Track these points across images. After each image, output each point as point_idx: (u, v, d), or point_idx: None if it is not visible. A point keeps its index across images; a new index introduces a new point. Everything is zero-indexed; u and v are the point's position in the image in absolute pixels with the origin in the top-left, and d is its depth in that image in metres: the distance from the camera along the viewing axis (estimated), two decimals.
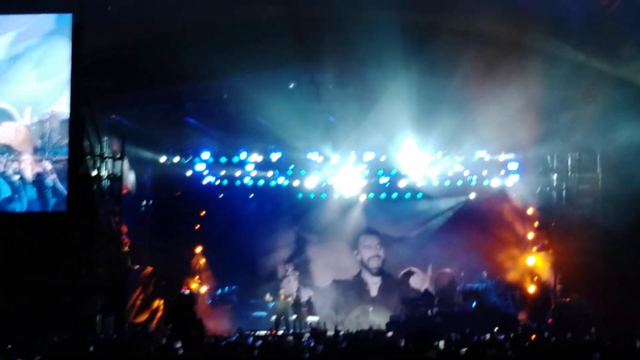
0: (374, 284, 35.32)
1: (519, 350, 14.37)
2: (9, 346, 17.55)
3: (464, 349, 15.52)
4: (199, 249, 33.97)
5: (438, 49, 24.56)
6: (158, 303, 30.46)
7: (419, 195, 33.82)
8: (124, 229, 26.52)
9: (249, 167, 32.85)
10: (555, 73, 25.58)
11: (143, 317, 29.10)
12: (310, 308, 31.80)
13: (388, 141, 30.82)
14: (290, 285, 34.97)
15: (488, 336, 21.11)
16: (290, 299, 31.36)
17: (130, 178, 29.37)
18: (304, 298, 32.47)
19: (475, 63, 24.58)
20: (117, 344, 17.78)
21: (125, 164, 26.99)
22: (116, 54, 24.96)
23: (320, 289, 34.87)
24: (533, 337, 21.13)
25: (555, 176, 30.54)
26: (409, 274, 34.33)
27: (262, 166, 32.86)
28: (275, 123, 30.10)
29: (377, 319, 32.34)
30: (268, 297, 32.15)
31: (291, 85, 28.21)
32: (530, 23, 23.89)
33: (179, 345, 16.07)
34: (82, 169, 23.15)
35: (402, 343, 17.16)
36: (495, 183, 32.55)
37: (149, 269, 30.75)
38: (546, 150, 30.01)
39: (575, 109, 27.37)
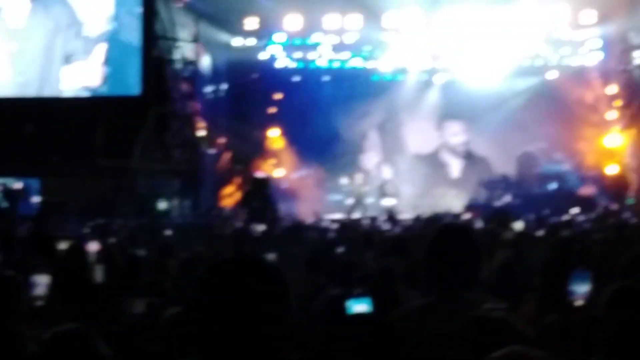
0: (456, 166, 34.96)
1: (600, 231, 14.04)
2: (87, 229, 17.78)
3: (541, 231, 15.31)
4: (274, 132, 33.92)
5: None
6: (234, 186, 30.62)
7: (497, 74, 33.15)
8: (199, 112, 26.51)
9: (324, 49, 32.42)
10: None
11: (219, 201, 29.31)
12: (390, 189, 31.63)
13: (466, 18, 30.14)
14: (370, 159, 34.88)
15: (566, 217, 20.84)
16: (367, 185, 31.01)
17: (204, 61, 29.19)
18: (385, 176, 32.48)
19: None
20: (193, 226, 17.87)
21: (200, 47, 26.86)
22: None
23: (400, 163, 34.60)
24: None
25: (639, 53, 29.75)
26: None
27: (337, 48, 32.39)
28: (350, 4, 29.65)
29: (456, 201, 32.13)
30: (345, 180, 32.03)
31: None
32: None
33: (255, 227, 16.11)
34: (155, 52, 23.06)
35: (480, 225, 17.02)
36: (576, 61, 31.69)
37: (225, 152, 30.84)
38: (630, 27, 29.09)
39: None
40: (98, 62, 22.95)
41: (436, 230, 5.01)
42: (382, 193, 31.27)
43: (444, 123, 34.85)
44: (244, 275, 3.53)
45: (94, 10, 23.25)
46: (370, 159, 34.94)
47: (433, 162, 34.88)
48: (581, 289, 6.03)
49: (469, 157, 34.71)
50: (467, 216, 23.31)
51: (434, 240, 4.87)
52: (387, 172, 33.86)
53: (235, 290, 3.49)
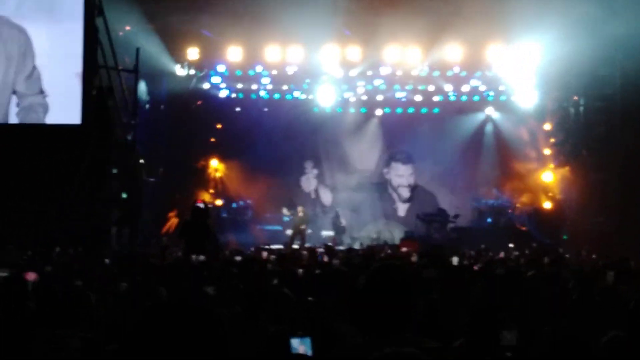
0: (401, 204, 35.25)
1: (534, 268, 14.29)
2: (24, 257, 17.67)
3: (477, 266, 15.55)
4: (214, 162, 33.99)
5: None
6: (172, 215, 30.57)
7: (435, 110, 33.63)
8: (139, 141, 26.45)
9: (265, 81, 32.63)
10: None
11: (158, 230, 29.24)
12: (341, 221, 32.14)
13: (404, 55, 30.37)
14: (309, 183, 35.13)
15: (502, 254, 21.14)
16: (307, 219, 31.03)
17: (141, 89, 29.05)
18: (325, 201, 33.41)
19: None
20: (132, 256, 17.80)
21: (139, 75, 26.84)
22: None
23: (341, 189, 34.91)
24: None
25: (573, 93, 30.21)
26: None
27: (277, 80, 32.59)
28: (291, 37, 29.78)
29: (397, 233, 32.47)
30: (285, 211, 32.13)
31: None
32: None
33: (194, 258, 16.11)
34: (96, 82, 22.96)
35: (415, 258, 17.22)
36: (512, 99, 32.20)
37: (164, 181, 30.81)
38: (564, 66, 29.53)
39: (594, 24, 26.88)
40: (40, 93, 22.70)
41: (371, 272, 5.11)
42: (335, 224, 31.80)
43: (392, 164, 35.21)
44: (180, 322, 3.67)
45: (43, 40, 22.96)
46: (309, 183, 35.17)
47: (380, 191, 35.10)
48: (509, 336, 6.27)
49: (415, 194, 35.01)
50: (404, 249, 23.55)
51: (369, 282, 4.99)
52: (326, 197, 34.27)
53: (170, 338, 3.63)
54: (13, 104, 22.76)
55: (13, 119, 22.77)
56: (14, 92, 22.81)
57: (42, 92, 22.69)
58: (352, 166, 35.01)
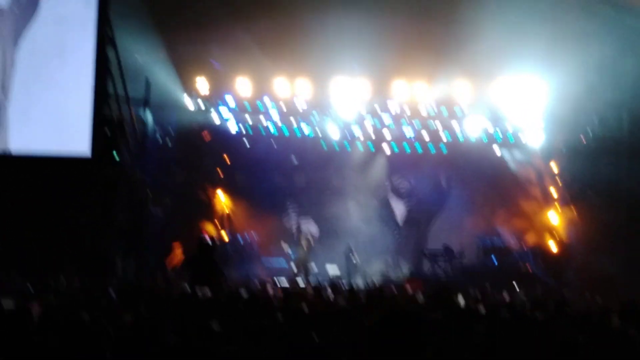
0: (400, 210, 35.19)
1: (539, 311, 14.23)
2: (29, 286, 17.64)
3: (482, 306, 15.49)
4: (221, 195, 33.97)
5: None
6: (178, 247, 30.53)
7: (442, 147, 33.60)
8: (147, 172, 26.48)
9: (273, 115, 32.66)
10: (590, 29, 25.31)
11: (164, 262, 29.19)
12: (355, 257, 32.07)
13: (413, 92, 30.43)
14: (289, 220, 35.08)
15: (507, 296, 21.03)
16: (311, 251, 30.87)
17: (150, 119, 29.10)
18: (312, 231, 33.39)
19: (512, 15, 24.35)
20: (137, 288, 17.76)
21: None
22: None
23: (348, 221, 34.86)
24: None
25: (580, 133, 30.21)
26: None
27: (286, 114, 32.62)
28: (299, 70, 29.87)
29: (401, 270, 32.37)
30: (284, 245, 32.04)
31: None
32: None
33: (200, 292, 16.07)
34: (106, 112, 23.02)
35: (421, 298, 17.15)
36: (520, 137, 32.17)
37: (170, 212, 30.78)
38: (572, 106, 29.56)
39: (603, 65, 26.94)
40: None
41: (380, 316, 5.09)
42: (347, 260, 31.66)
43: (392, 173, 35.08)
44: None
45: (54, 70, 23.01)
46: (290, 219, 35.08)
47: (381, 203, 34.96)
48: None
49: (411, 222, 34.94)
50: (408, 288, 23.44)
51: (377, 325, 4.97)
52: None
53: None
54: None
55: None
56: None
57: None
58: (360, 199, 34.90)
